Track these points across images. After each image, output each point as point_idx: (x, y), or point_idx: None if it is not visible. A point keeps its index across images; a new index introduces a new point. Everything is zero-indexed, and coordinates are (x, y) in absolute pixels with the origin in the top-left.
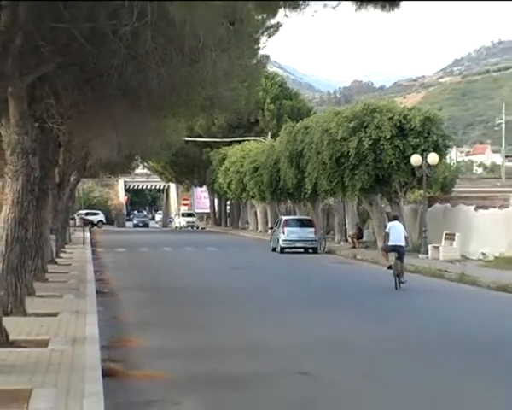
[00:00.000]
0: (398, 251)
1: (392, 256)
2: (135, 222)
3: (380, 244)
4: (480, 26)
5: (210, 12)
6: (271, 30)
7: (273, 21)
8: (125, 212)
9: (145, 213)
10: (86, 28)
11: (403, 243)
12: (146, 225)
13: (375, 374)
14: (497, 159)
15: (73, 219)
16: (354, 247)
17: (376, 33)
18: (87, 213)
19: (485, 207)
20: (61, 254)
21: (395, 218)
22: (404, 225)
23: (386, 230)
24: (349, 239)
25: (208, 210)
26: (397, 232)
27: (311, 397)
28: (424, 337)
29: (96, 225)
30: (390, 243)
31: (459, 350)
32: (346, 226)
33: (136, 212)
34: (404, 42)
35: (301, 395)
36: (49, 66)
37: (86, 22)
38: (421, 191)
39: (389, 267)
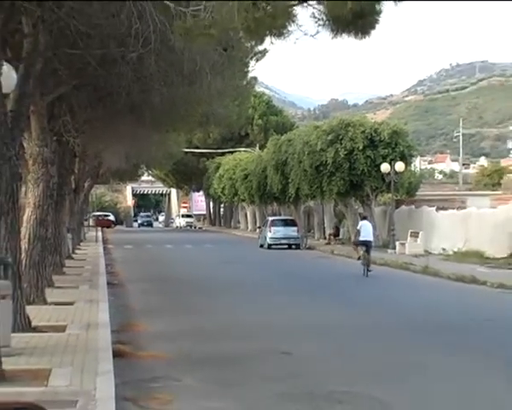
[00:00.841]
0: (367, 245)
1: (362, 250)
2: (140, 222)
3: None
4: (440, 51)
5: (206, 40)
6: (259, 55)
7: (261, 48)
8: (132, 214)
9: (149, 213)
10: (98, 54)
11: (371, 239)
12: (150, 224)
13: (347, 352)
14: (456, 167)
15: (87, 219)
16: (329, 243)
17: (350, 57)
18: (104, 215)
19: (445, 209)
20: (77, 251)
21: (365, 218)
22: (375, 225)
23: (358, 227)
24: (328, 237)
25: (204, 212)
26: (366, 230)
27: (293, 373)
28: (391, 320)
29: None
30: (361, 239)
31: (422, 331)
32: (325, 225)
33: (141, 213)
34: (374, 65)
35: (285, 371)
36: (65, 87)
37: (98, 49)
38: (390, 195)
39: (358, 258)
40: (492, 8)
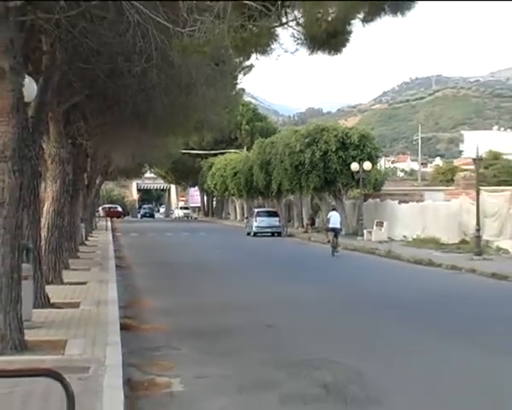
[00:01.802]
0: (335, 231)
1: (331, 235)
2: (142, 213)
3: None
4: (401, 66)
5: (200, 56)
6: (246, 69)
7: (247, 63)
8: (137, 206)
9: (151, 205)
10: (107, 68)
11: (339, 226)
12: (152, 215)
13: (318, 325)
14: (415, 166)
15: (98, 211)
16: (307, 231)
17: (325, 70)
18: (114, 207)
19: (406, 202)
20: (89, 238)
21: (334, 209)
22: (346, 215)
23: (328, 216)
24: (305, 226)
25: (199, 204)
26: (335, 219)
27: (277, 343)
28: (361, 297)
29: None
30: (330, 226)
31: (388, 305)
32: (303, 216)
33: (144, 205)
34: (345, 77)
35: (270, 342)
36: (79, 96)
37: (107, 64)
38: (359, 190)
39: (328, 242)
40: (445, 29)
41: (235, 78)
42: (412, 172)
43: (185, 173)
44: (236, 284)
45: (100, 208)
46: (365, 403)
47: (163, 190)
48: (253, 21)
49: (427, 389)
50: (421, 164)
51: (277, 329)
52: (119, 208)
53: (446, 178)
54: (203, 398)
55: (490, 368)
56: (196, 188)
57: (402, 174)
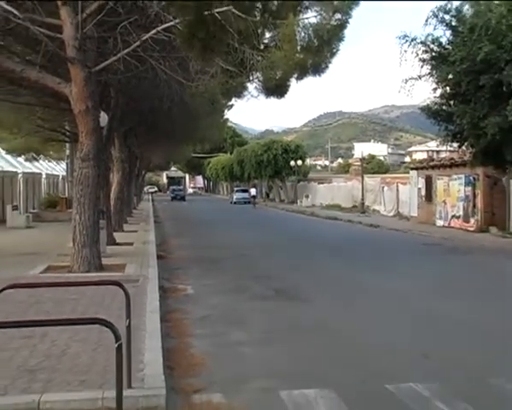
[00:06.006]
0: (254, 197)
1: (253, 199)
2: (172, 195)
3: (277, 199)
4: (318, 104)
5: (202, 99)
6: (229, 107)
7: (230, 103)
8: (166, 187)
9: (181, 187)
10: (148, 107)
11: (255, 194)
12: (183, 198)
13: (274, 254)
14: (327, 163)
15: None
16: (265, 201)
17: (275, 106)
18: (151, 188)
19: (322, 183)
20: (139, 205)
21: (253, 186)
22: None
23: (250, 190)
24: (264, 198)
25: (202, 186)
26: (253, 191)
27: (247, 266)
28: (297, 238)
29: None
30: (252, 194)
31: (313, 242)
32: (262, 192)
33: (173, 187)
34: (286, 110)
35: (242, 265)
36: (132, 124)
37: (148, 104)
38: (295, 177)
39: (253, 204)
40: (344, 82)
41: (223, 112)
42: (325, 167)
43: (194, 167)
44: (224, 231)
45: (145, 188)
46: (300, 301)
47: (181, 177)
48: (232, 78)
49: (338, 294)
50: (330, 162)
51: (248, 257)
52: (156, 188)
53: (345, 170)
54: (206, 297)
55: (362, 278)
56: (201, 176)
57: (319, 168)
